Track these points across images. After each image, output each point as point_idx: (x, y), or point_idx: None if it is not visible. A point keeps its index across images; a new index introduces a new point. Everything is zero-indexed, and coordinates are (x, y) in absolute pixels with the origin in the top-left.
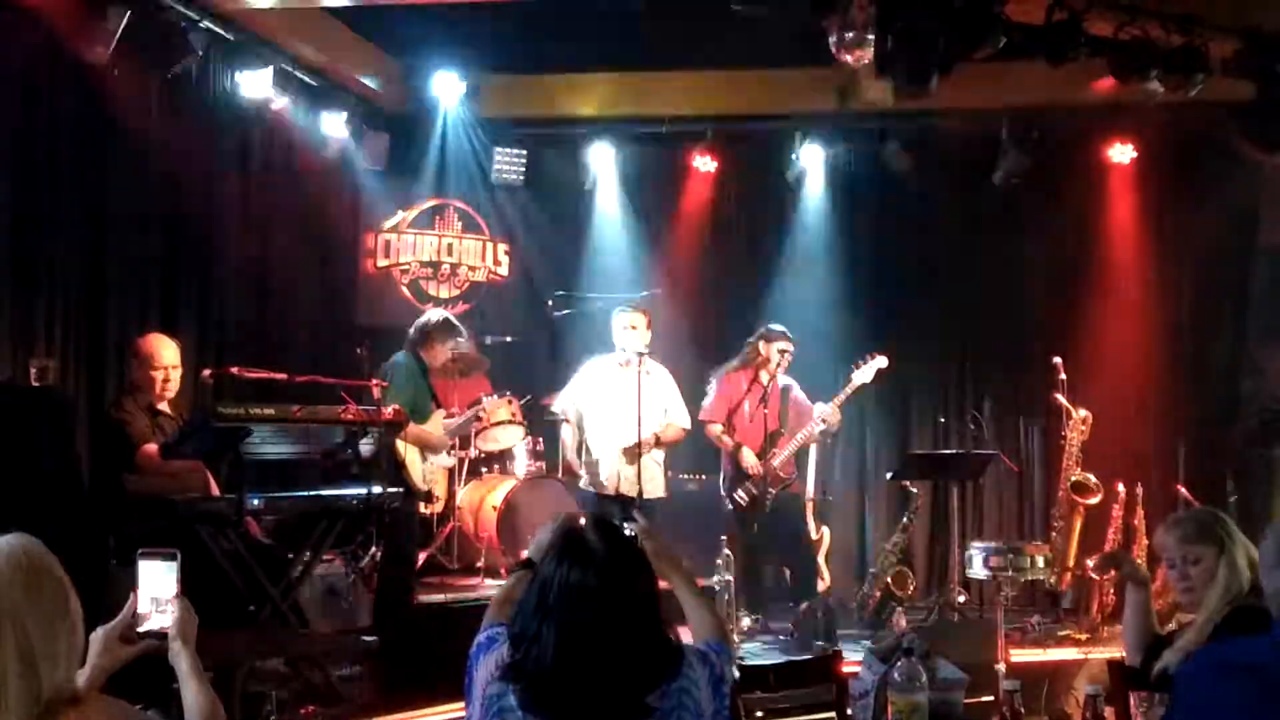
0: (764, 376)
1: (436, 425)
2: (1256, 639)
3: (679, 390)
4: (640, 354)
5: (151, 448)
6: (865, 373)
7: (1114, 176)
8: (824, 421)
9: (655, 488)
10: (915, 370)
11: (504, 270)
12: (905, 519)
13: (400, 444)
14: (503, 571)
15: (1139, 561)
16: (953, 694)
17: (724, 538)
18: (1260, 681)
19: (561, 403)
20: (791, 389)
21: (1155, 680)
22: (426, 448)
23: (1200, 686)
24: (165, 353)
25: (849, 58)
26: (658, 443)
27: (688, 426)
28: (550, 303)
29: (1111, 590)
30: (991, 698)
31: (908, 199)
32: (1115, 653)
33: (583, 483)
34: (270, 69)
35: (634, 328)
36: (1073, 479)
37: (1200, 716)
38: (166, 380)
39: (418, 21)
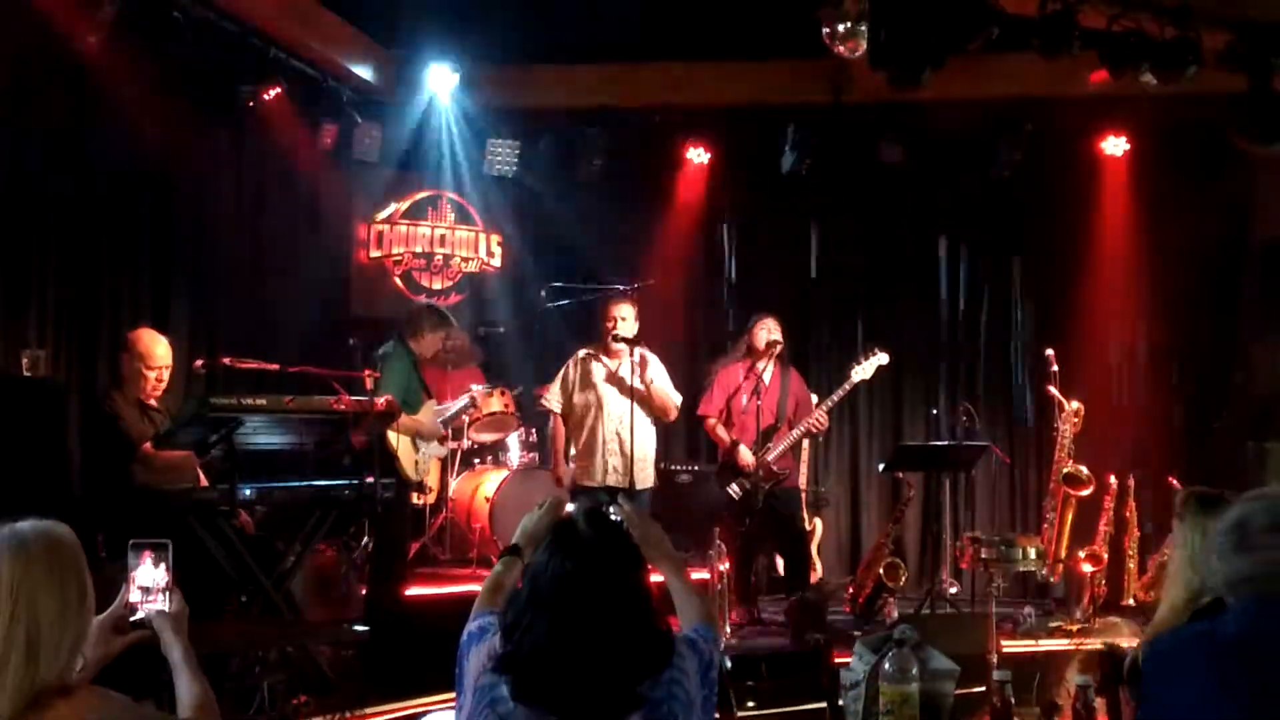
0: (760, 366)
1: (428, 416)
2: (1213, 621)
3: (668, 376)
4: (629, 341)
5: (146, 443)
6: (865, 369)
7: (1107, 168)
8: (811, 426)
9: (645, 478)
10: (908, 362)
11: (497, 261)
12: (897, 510)
13: (392, 435)
14: (494, 561)
15: None
16: (944, 684)
17: (717, 529)
18: (1212, 655)
19: (552, 398)
20: (792, 380)
21: (1127, 674)
22: (419, 437)
23: (1159, 665)
24: (159, 350)
25: (842, 49)
26: (647, 393)
27: (678, 403)
28: (543, 294)
29: (1103, 582)
30: (983, 688)
31: (900, 190)
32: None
33: (574, 476)
34: (264, 58)
35: (623, 319)
36: (1064, 471)
37: (1161, 693)
38: (159, 380)
39: (411, 12)
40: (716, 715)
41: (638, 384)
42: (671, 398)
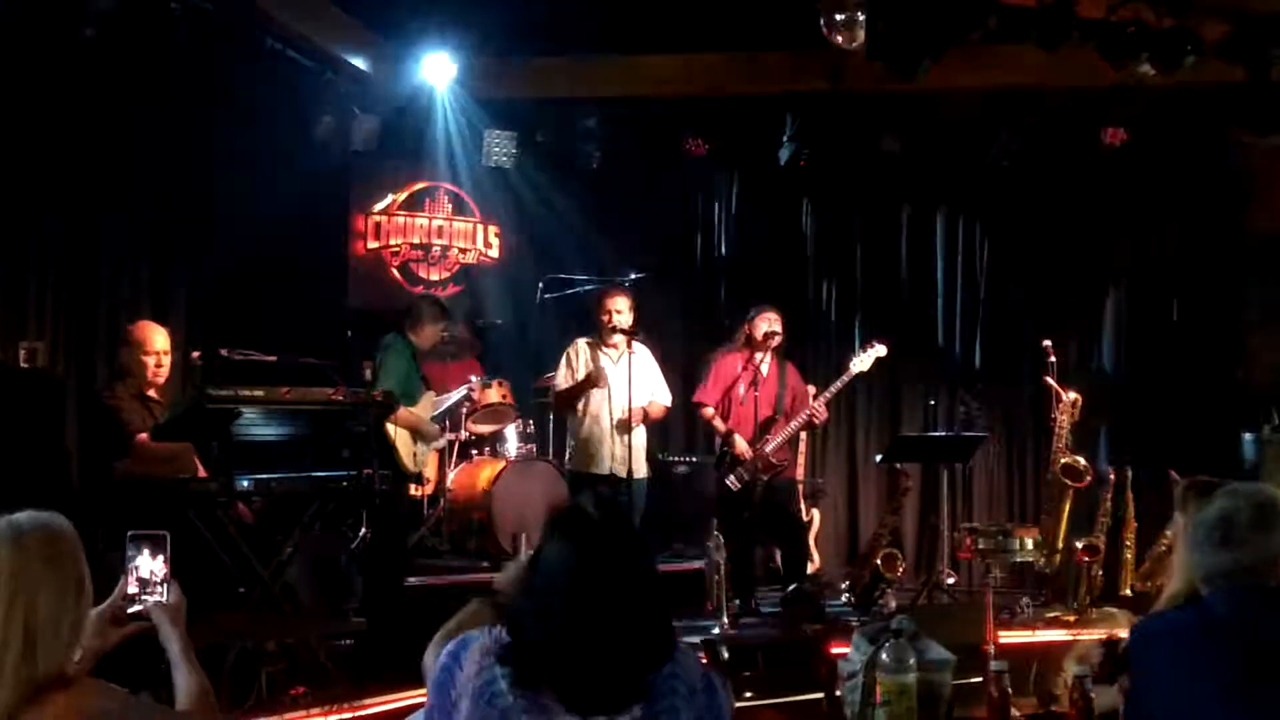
0: (758, 358)
1: (426, 407)
2: (1196, 608)
3: (660, 370)
4: (626, 334)
5: (144, 435)
6: (863, 361)
7: (1105, 159)
8: (810, 419)
9: (641, 466)
10: (906, 353)
11: (495, 253)
12: (895, 501)
13: (390, 426)
14: (491, 553)
15: None
16: (941, 675)
17: (715, 520)
18: (1198, 640)
19: (560, 381)
20: (789, 372)
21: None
22: (417, 434)
23: (1145, 649)
24: (156, 339)
25: (840, 40)
26: (644, 418)
27: (669, 404)
28: (541, 285)
29: (1100, 572)
30: (980, 679)
31: (898, 181)
32: (1103, 634)
33: (571, 464)
34: (260, 49)
35: (619, 310)
36: (1062, 462)
37: (1145, 676)
38: (158, 366)
39: (409, 2)
40: None
41: (636, 375)
42: (663, 403)
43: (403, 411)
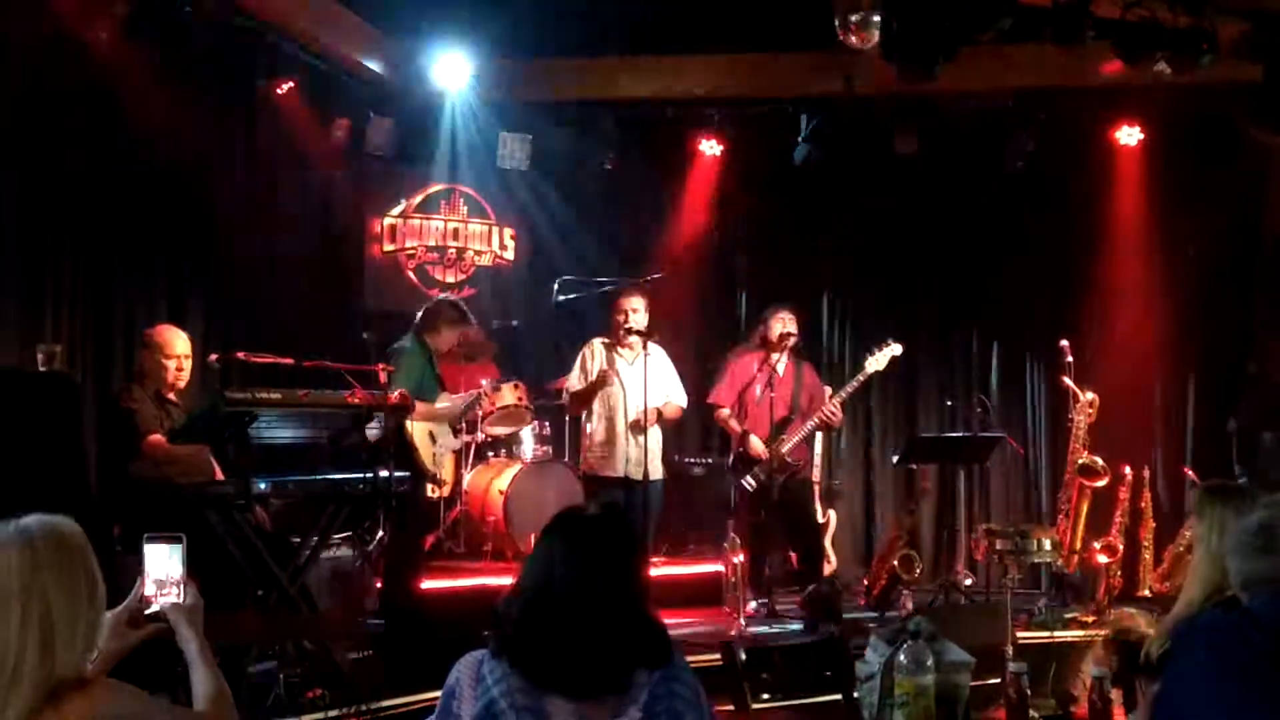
0: (774, 358)
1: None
2: (1240, 611)
3: (676, 371)
4: (641, 335)
5: (158, 436)
6: (878, 360)
7: (1121, 159)
8: (825, 419)
9: (657, 469)
10: (922, 353)
11: (510, 254)
12: (911, 502)
13: (409, 425)
14: (508, 555)
15: None
16: (959, 676)
17: (731, 521)
18: (1241, 643)
19: (573, 382)
20: (805, 372)
21: (1145, 664)
22: (435, 421)
23: (1181, 647)
24: (177, 343)
25: (855, 40)
26: (659, 418)
27: (684, 405)
28: (556, 286)
29: (1118, 573)
30: (998, 680)
31: (914, 182)
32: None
33: (586, 466)
34: (276, 53)
35: (635, 310)
36: (1079, 462)
37: (1182, 673)
38: (179, 370)
39: (423, 6)
40: (730, 708)
41: (651, 376)
42: (679, 404)
43: (420, 405)
